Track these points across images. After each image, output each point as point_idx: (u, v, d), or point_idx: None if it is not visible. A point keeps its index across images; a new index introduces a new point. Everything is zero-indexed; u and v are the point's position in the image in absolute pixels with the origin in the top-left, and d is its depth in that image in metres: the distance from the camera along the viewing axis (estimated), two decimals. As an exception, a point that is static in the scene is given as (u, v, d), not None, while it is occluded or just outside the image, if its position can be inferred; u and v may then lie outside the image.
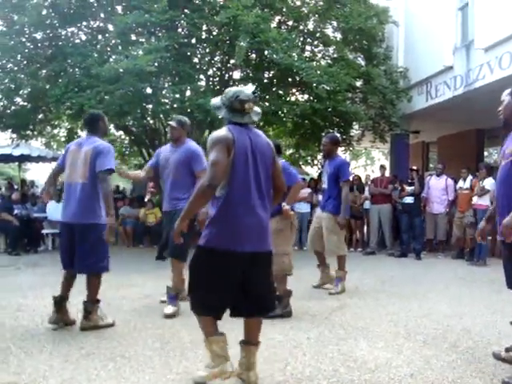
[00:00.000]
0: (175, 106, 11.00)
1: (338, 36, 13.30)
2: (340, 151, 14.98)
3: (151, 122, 13.19)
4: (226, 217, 3.07)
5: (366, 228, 12.36)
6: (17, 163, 16.04)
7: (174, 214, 4.98)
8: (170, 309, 5.11)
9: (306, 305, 5.75)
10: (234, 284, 3.13)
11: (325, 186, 6.72)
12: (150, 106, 11.66)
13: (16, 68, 12.11)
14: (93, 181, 4.56)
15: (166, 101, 11.40)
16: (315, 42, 13.23)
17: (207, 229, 3.13)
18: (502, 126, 3.58)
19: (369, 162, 36.66)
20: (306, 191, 12.19)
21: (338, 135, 7.21)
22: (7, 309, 5.44)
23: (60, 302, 4.65)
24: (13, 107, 12.71)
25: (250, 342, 3.29)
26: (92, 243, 4.55)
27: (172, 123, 5.46)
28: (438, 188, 10.73)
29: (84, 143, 4.71)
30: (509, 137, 3.53)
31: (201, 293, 3.14)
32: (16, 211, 11.21)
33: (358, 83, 13.10)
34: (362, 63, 13.46)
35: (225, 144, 3.04)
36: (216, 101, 3.30)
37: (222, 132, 3.12)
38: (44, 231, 11.89)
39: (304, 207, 11.88)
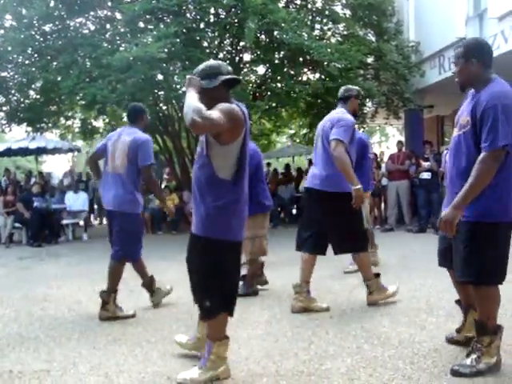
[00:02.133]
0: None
1: (348, 13, 13.16)
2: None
3: (164, 108, 13.21)
4: (239, 204, 3.03)
5: (383, 205, 12.32)
6: (33, 156, 16.21)
7: None
8: None
9: (327, 283, 5.78)
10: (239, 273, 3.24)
11: None
12: (162, 93, 11.67)
13: (27, 62, 12.18)
14: (129, 171, 4.65)
15: (178, 86, 11.40)
16: (324, 20, 13.09)
17: (226, 218, 2.97)
18: (460, 90, 3.26)
19: (383, 138, 36.45)
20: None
21: None
22: (34, 299, 5.55)
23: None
24: (26, 101, 12.81)
25: None
26: (119, 231, 4.66)
27: None
28: (455, 161, 10.62)
29: (123, 133, 4.81)
30: (464, 103, 3.23)
31: (230, 287, 3.09)
32: (35, 203, 11.34)
33: (370, 60, 12.98)
34: (373, 39, 13.31)
35: (240, 124, 2.93)
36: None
37: (237, 108, 2.94)
38: (64, 222, 12.03)
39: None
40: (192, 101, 2.74)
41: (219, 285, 3.00)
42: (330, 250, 7.22)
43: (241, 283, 5.25)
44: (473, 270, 3.01)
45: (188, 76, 2.94)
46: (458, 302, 3.64)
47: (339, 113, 4.79)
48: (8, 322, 4.64)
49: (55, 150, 14.48)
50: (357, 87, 5.15)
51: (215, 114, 2.76)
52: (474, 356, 3.06)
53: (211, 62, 3.16)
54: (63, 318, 4.71)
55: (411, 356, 3.39)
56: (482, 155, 2.88)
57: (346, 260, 6.32)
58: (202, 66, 3.07)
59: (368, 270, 4.84)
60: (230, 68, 3.07)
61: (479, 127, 2.93)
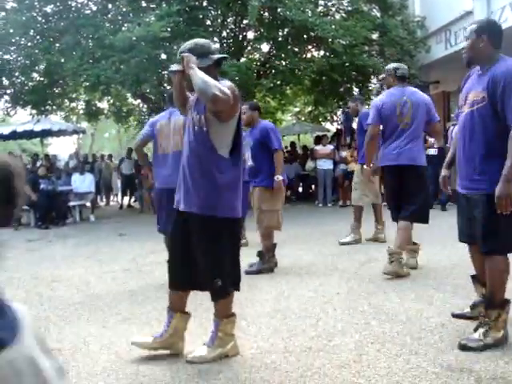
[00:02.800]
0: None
1: (352, -12, 12.98)
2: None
3: (168, 88, 13.14)
4: (238, 180, 3.07)
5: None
6: (39, 138, 16.21)
7: None
8: None
9: (334, 260, 5.80)
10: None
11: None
12: (166, 73, 11.61)
13: (30, 44, 12.13)
14: None
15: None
16: (328, -4, 12.95)
17: (228, 195, 2.99)
18: (466, 65, 3.32)
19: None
20: (328, 148, 12.18)
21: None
22: (43, 280, 5.59)
23: None
24: (30, 83, 12.78)
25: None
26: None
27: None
28: (462, 137, 10.56)
29: (171, 115, 4.92)
30: (470, 79, 3.29)
31: (235, 266, 3.12)
32: (42, 186, 11.37)
33: (375, 36, 12.84)
34: (378, 15, 13.15)
35: (238, 100, 2.95)
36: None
37: (233, 85, 2.95)
38: (71, 203, 12.07)
39: (327, 164, 11.88)
40: (206, 77, 2.76)
41: (228, 262, 3.02)
42: (336, 228, 7.25)
43: (257, 259, 5.33)
44: (494, 240, 3.06)
45: (185, 54, 2.91)
46: (473, 277, 3.63)
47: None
48: (19, 303, 4.67)
49: (60, 132, 14.42)
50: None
51: (227, 90, 2.78)
52: (481, 330, 3.09)
53: (200, 40, 3.11)
54: (72, 299, 4.75)
55: (418, 331, 3.40)
56: None
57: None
58: (191, 45, 3.01)
59: (404, 241, 4.97)
60: (217, 45, 3.08)
61: (501, 102, 2.97)
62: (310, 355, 3.10)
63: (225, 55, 3.13)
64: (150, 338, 3.26)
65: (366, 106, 15.55)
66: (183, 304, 3.28)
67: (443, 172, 3.69)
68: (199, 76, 2.76)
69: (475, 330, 3.13)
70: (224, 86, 2.80)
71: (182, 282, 3.19)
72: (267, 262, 5.35)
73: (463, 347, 3.05)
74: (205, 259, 3.03)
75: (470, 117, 3.14)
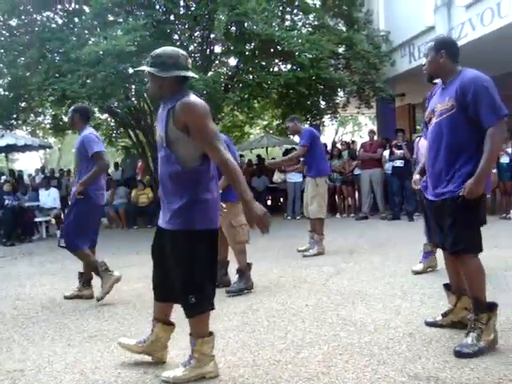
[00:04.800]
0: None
1: (318, 3, 13.17)
2: (327, 118, 15.02)
3: (135, 102, 13.07)
4: (210, 192, 2.92)
5: (357, 194, 12.42)
6: (3, 154, 15.93)
7: None
8: None
9: (303, 273, 5.81)
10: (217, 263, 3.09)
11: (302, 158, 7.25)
12: (133, 87, 11.55)
13: (-7, 58, 11.93)
14: None
15: (149, 80, 11.29)
16: (295, 11, 13.08)
17: (201, 208, 2.87)
18: (427, 80, 3.50)
19: (356, 127, 36.67)
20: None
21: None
22: (6, 299, 5.46)
23: None
24: (-6, 98, 12.56)
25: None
26: None
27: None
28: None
29: None
30: (435, 96, 3.45)
31: (205, 284, 2.94)
32: (7, 202, 11.16)
33: (341, 49, 13.02)
34: (344, 29, 13.35)
35: (209, 114, 2.87)
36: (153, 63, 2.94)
37: (200, 100, 2.88)
38: (37, 219, 11.86)
39: (296, 177, 11.96)
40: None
41: (203, 278, 2.91)
42: (305, 241, 7.29)
43: (236, 276, 5.14)
44: (463, 240, 3.17)
45: None
46: (446, 285, 3.72)
47: None
48: (-20, 323, 4.56)
49: (26, 147, 14.22)
50: None
51: (210, 134, 2.79)
52: (474, 334, 3.15)
53: (170, 50, 3.00)
54: (37, 317, 4.65)
55: (386, 341, 3.43)
56: (490, 130, 3.06)
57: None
58: (159, 51, 2.96)
59: None
60: (189, 60, 2.97)
61: (473, 106, 3.09)
62: (279, 368, 3.08)
63: (190, 75, 2.94)
64: (134, 341, 3.29)
65: (334, 120, 15.83)
66: (164, 314, 3.24)
67: (415, 176, 3.85)
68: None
69: (467, 335, 3.18)
70: (189, 103, 2.78)
71: (161, 293, 3.17)
72: (248, 281, 5.12)
73: (459, 354, 3.08)
74: (178, 274, 2.94)
75: (439, 125, 3.27)
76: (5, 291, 5.85)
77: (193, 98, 2.85)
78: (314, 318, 4.05)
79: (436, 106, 3.33)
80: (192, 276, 2.89)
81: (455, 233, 3.19)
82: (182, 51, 3.00)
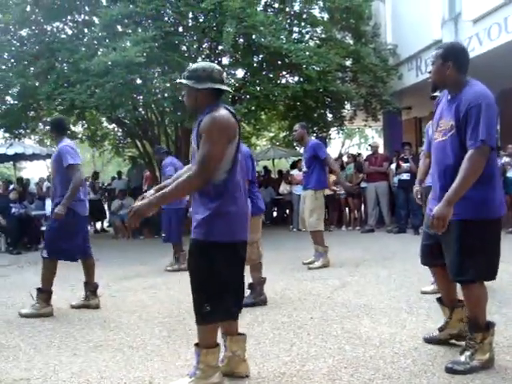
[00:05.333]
0: (166, 95, 10.98)
1: (325, 16, 13.22)
2: (334, 130, 15.06)
3: (143, 112, 13.16)
4: (235, 205, 2.92)
5: (363, 206, 12.41)
6: (11, 162, 16.03)
7: None
8: None
9: (308, 286, 5.81)
10: (243, 276, 3.07)
11: (304, 169, 7.32)
12: (141, 97, 11.63)
13: (4, 67, 12.03)
14: None
15: (157, 91, 11.37)
16: (302, 24, 13.14)
17: (214, 221, 2.87)
18: (431, 90, 3.42)
19: (362, 140, 36.68)
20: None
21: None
22: (13, 307, 5.48)
23: None
24: (3, 107, 12.65)
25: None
26: None
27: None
28: (433, 162, 10.75)
29: None
30: (441, 103, 3.31)
31: (223, 295, 2.92)
32: (13, 210, 11.21)
33: (348, 62, 13.07)
34: (351, 42, 13.41)
35: (232, 130, 2.91)
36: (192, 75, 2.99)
37: (227, 115, 2.91)
38: (43, 228, 11.89)
39: (301, 189, 11.96)
40: (175, 190, 2.91)
41: (221, 290, 2.89)
42: (310, 253, 7.29)
43: (247, 292, 5.04)
44: (467, 268, 3.05)
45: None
46: (439, 299, 3.67)
47: None
48: (-13, 331, 4.58)
49: (34, 156, 14.32)
50: None
51: (205, 153, 2.81)
52: (467, 353, 3.11)
53: (205, 64, 3.10)
54: (43, 326, 4.66)
55: (392, 355, 3.42)
56: (469, 152, 2.92)
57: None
58: (195, 66, 3.04)
59: None
60: (224, 75, 3.04)
61: (464, 127, 2.99)
62: (284, 381, 3.09)
63: (222, 87, 3.00)
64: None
65: (340, 132, 15.83)
66: (229, 326, 3.16)
67: (416, 187, 3.87)
68: (173, 195, 3.00)
69: (461, 352, 3.15)
70: (204, 145, 2.83)
71: None
72: (259, 295, 5.08)
73: (450, 370, 3.06)
74: (193, 282, 2.96)
75: (441, 146, 3.17)
76: (12, 299, 5.87)
77: (219, 112, 2.88)
78: (319, 331, 4.05)
79: (440, 120, 3.23)
80: (207, 286, 2.89)
81: (460, 260, 3.07)
82: (216, 66, 3.07)
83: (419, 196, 4.37)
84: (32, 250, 10.95)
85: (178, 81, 3.19)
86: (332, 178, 11.80)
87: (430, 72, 3.32)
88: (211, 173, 2.83)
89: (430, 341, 3.63)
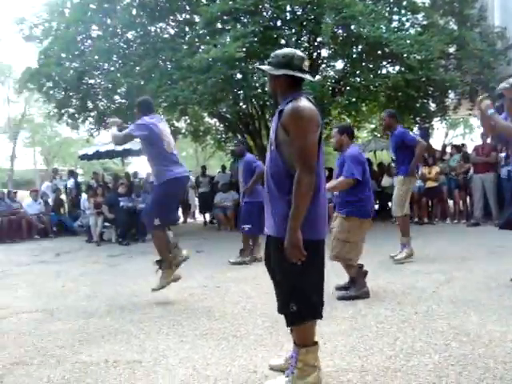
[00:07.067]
0: (266, 89, 11.08)
1: (427, 1, 12.76)
2: (437, 120, 14.52)
3: (244, 107, 13.37)
4: (317, 202, 2.82)
5: (469, 198, 11.88)
6: (120, 158, 16.90)
7: None
8: None
9: (412, 279, 5.67)
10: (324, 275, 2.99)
11: (393, 157, 7.28)
12: (242, 92, 11.82)
13: (112, 68, 12.71)
14: None
15: (257, 85, 11.51)
16: (402, 11, 12.74)
17: (305, 217, 2.73)
18: None
19: (467, 130, 35.11)
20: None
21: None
22: (124, 294, 5.81)
23: None
24: (112, 106, 13.37)
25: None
26: None
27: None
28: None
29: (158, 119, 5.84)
30: None
31: (318, 292, 2.91)
32: (122, 203, 11.78)
33: (452, 49, 12.52)
34: (455, 27, 12.84)
35: (317, 121, 2.78)
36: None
37: (309, 105, 2.79)
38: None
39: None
40: (297, 202, 2.71)
41: (308, 288, 2.85)
42: (419, 246, 7.10)
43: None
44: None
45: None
46: None
47: None
48: (102, 316, 4.89)
49: (140, 152, 15.00)
50: None
51: (301, 148, 2.73)
52: None
53: (287, 50, 2.98)
54: (152, 313, 4.90)
55: (503, 355, 3.27)
56: None
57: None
58: (277, 52, 2.96)
59: None
60: (306, 63, 2.92)
61: None
62: (388, 375, 3.05)
63: (297, 75, 2.86)
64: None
65: (443, 122, 15.23)
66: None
67: None
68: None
69: None
70: (296, 141, 2.73)
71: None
72: (361, 288, 5.01)
73: None
74: (280, 282, 2.93)
75: None
76: (123, 287, 6.22)
77: (302, 102, 2.78)
78: (424, 326, 3.95)
79: None
80: (294, 284, 2.83)
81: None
82: (299, 52, 2.95)
83: None
84: (139, 241, 11.47)
85: (257, 66, 3.18)
86: (435, 169, 11.46)
87: None
88: (314, 164, 2.73)
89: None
